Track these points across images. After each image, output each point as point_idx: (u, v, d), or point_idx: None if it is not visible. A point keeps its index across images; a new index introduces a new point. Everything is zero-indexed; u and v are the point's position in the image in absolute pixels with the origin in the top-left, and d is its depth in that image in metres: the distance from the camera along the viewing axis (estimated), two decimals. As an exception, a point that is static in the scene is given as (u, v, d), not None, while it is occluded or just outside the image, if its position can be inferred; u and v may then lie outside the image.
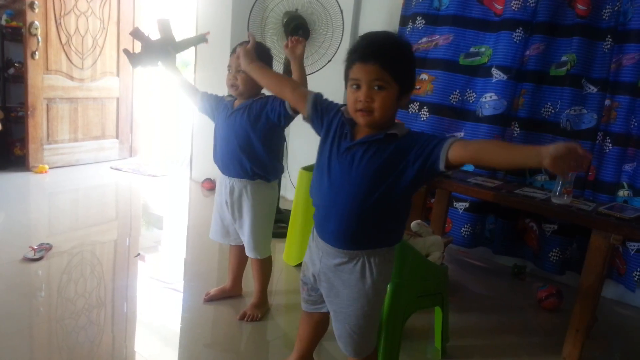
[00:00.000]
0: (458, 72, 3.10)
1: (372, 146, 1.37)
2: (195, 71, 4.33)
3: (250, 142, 2.06)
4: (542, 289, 2.71)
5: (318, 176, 1.48)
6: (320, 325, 1.76)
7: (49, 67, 4.41)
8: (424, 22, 3.20)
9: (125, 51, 2.21)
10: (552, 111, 2.88)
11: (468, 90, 3.10)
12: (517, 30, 2.88)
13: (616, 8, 2.68)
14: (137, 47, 2.25)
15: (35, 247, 2.69)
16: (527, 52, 2.91)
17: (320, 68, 3.13)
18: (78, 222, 3.43)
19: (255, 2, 3.05)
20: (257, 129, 2.05)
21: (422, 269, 2.01)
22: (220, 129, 2.16)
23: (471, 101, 3.10)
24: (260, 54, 1.90)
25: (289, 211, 2.99)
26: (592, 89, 2.77)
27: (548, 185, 2.78)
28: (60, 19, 4.41)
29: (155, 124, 5.67)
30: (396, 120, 1.42)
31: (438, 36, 3.14)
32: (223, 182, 2.19)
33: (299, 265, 2.85)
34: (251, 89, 2.07)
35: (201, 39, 2.34)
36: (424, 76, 3.18)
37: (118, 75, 5.01)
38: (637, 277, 2.63)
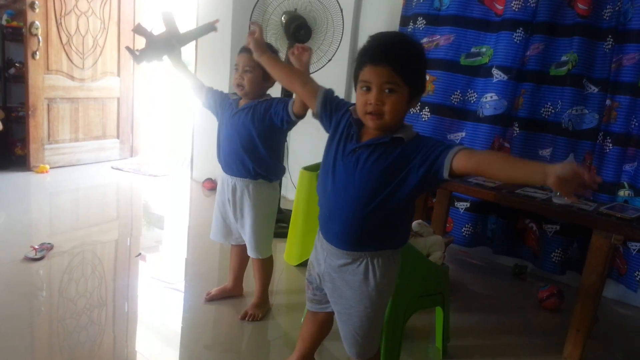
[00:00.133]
0: (459, 72, 3.10)
1: (377, 149, 1.35)
2: (195, 70, 4.34)
3: (253, 142, 2.06)
4: (543, 289, 2.71)
5: (323, 176, 1.46)
6: (324, 325, 1.75)
7: (49, 67, 4.41)
8: (424, 22, 3.20)
9: (127, 48, 2.20)
10: (552, 111, 2.88)
11: (469, 90, 3.11)
12: (518, 31, 2.88)
13: (617, 8, 2.68)
14: (139, 44, 2.24)
15: (37, 247, 2.69)
16: (527, 52, 2.91)
17: (320, 68, 3.13)
18: (79, 222, 3.43)
19: (256, 2, 3.05)
20: (260, 130, 2.04)
21: (423, 269, 2.01)
22: (224, 128, 2.16)
23: (472, 101, 3.10)
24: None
25: (290, 211, 2.99)
26: (593, 89, 2.77)
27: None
28: (60, 18, 4.41)
29: (156, 124, 5.67)
30: (404, 123, 1.39)
31: (439, 36, 3.14)
32: (225, 181, 2.19)
33: (300, 265, 2.86)
34: (257, 89, 2.07)
35: (209, 28, 2.27)
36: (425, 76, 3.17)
37: (119, 75, 5.01)
38: (639, 277, 2.63)
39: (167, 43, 2.17)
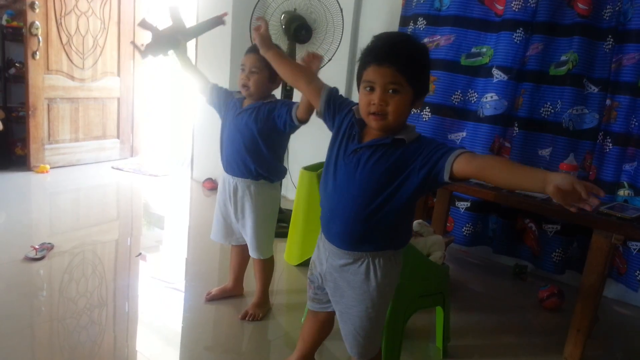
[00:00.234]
0: (459, 72, 3.11)
1: (378, 150, 1.34)
2: (188, 74, 4.33)
3: (255, 143, 2.05)
4: (544, 289, 2.71)
5: (325, 176, 1.46)
6: (324, 325, 1.74)
7: (49, 67, 4.41)
8: (425, 22, 3.20)
9: (132, 43, 2.19)
10: (552, 111, 2.88)
11: (469, 90, 3.11)
12: (518, 31, 2.88)
13: (617, 8, 2.68)
14: (139, 43, 2.23)
15: (37, 247, 2.70)
16: (527, 52, 2.91)
17: (320, 68, 3.13)
18: (79, 222, 3.43)
19: (257, 3, 3.04)
20: (263, 131, 2.03)
21: (423, 269, 2.01)
22: (227, 127, 2.15)
23: (473, 101, 3.10)
24: None
25: (290, 211, 2.99)
26: (593, 88, 2.77)
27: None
28: (60, 19, 4.41)
29: (157, 124, 5.67)
30: (407, 124, 1.38)
31: (439, 37, 3.15)
32: (226, 180, 2.19)
33: (300, 264, 2.86)
34: (262, 91, 2.05)
35: (217, 22, 2.25)
36: (426, 77, 3.18)
37: (119, 75, 5.02)
38: (639, 276, 2.64)
39: (173, 37, 2.15)
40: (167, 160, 5.23)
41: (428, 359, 2.17)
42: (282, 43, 3.09)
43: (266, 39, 1.68)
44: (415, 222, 2.28)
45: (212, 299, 2.41)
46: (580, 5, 2.73)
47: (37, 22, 4.20)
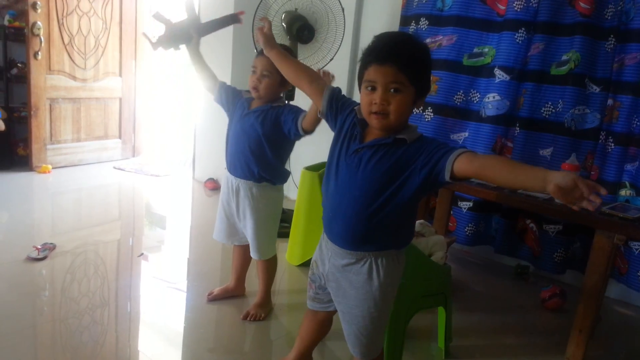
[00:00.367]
0: (462, 72, 3.10)
1: (379, 150, 1.34)
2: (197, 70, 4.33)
3: (261, 146, 2.04)
4: (546, 289, 2.70)
5: (327, 176, 1.47)
6: (323, 324, 1.75)
7: (51, 68, 4.42)
8: (427, 22, 3.20)
9: (144, 34, 2.17)
10: (553, 110, 2.88)
11: (472, 90, 3.10)
12: (520, 31, 2.88)
13: (619, 7, 2.67)
14: (140, 44, 2.22)
15: (39, 247, 2.70)
16: (529, 52, 2.91)
17: (322, 67, 3.13)
18: (81, 222, 3.43)
19: (260, 3, 3.04)
20: (269, 135, 2.03)
21: (425, 269, 2.01)
22: (233, 127, 2.14)
23: (475, 101, 3.10)
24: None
25: (292, 211, 2.99)
26: (595, 88, 2.77)
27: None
28: (62, 19, 4.42)
29: (158, 124, 5.68)
30: (409, 124, 1.38)
31: (442, 37, 3.15)
32: (229, 181, 2.19)
33: (302, 264, 2.86)
34: (273, 94, 2.04)
35: (232, 19, 2.21)
36: (429, 77, 3.18)
37: (120, 75, 5.02)
38: (642, 276, 2.64)
39: (186, 32, 2.13)
40: (168, 161, 5.24)
41: (430, 359, 2.17)
42: (284, 43, 3.08)
43: (270, 39, 1.68)
44: (417, 223, 2.27)
45: (213, 299, 2.41)
46: (582, 5, 2.73)
47: (39, 23, 4.20)
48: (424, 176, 1.28)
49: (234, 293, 2.46)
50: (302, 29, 3.03)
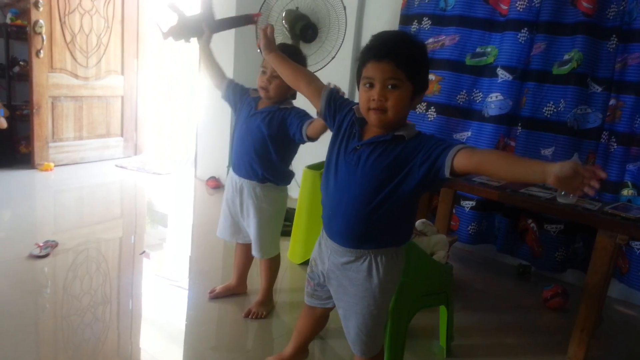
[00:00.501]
0: (464, 72, 3.10)
1: (378, 147, 1.35)
2: (199, 70, 4.34)
3: (265, 147, 2.04)
4: (548, 289, 2.70)
5: (326, 175, 1.47)
6: (320, 320, 1.78)
7: (53, 66, 4.43)
8: (430, 22, 3.21)
9: (157, 23, 2.16)
10: (555, 110, 2.87)
11: (474, 90, 3.11)
12: (522, 31, 2.88)
13: (621, 7, 2.67)
14: (142, 45, 2.21)
15: (41, 244, 2.70)
16: (531, 52, 2.90)
17: (324, 66, 3.13)
18: (83, 220, 3.43)
19: (263, 3, 3.03)
20: (274, 137, 2.02)
21: (427, 268, 2.01)
22: (239, 127, 2.13)
23: (477, 101, 3.10)
24: (295, 60, 1.90)
25: (294, 209, 2.99)
26: (597, 88, 2.77)
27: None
28: (64, 17, 4.42)
29: (160, 122, 5.68)
30: (407, 121, 1.40)
31: (444, 36, 3.15)
32: (233, 179, 2.18)
33: (304, 263, 2.86)
34: (281, 95, 2.02)
35: (246, 20, 2.19)
36: (431, 76, 3.18)
37: (122, 73, 5.02)
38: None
39: (198, 26, 2.11)
40: (170, 159, 5.24)
41: (432, 358, 2.17)
42: (286, 42, 3.08)
43: (271, 42, 1.71)
44: (418, 222, 2.28)
45: (215, 296, 2.41)
46: (584, 4, 2.73)
47: (41, 21, 4.21)
48: (423, 173, 1.29)
49: (235, 291, 2.46)
50: (306, 28, 3.02)
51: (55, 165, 4.47)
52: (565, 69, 2.81)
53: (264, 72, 2.00)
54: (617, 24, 2.69)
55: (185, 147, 5.22)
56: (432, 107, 3.18)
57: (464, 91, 3.12)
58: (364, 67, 1.34)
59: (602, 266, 2.06)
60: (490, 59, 3.04)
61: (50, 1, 4.28)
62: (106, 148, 5.01)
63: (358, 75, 1.38)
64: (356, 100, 1.45)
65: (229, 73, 3.74)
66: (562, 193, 2.27)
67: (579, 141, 2.82)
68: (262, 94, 2.04)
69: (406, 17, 3.35)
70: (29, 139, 4.44)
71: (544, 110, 2.90)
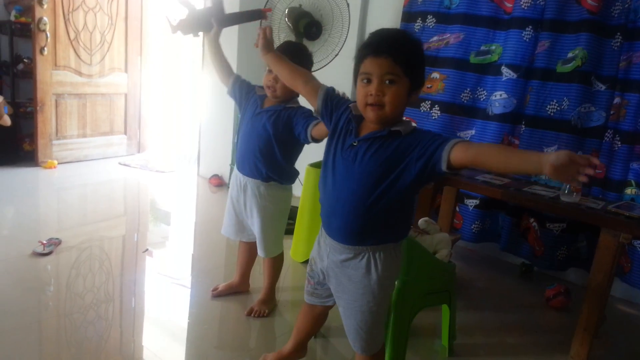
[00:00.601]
0: (469, 70, 3.10)
1: (375, 143, 1.37)
2: (202, 68, 4.34)
3: (270, 146, 2.03)
4: (550, 288, 2.70)
5: (324, 173, 1.49)
6: (320, 317, 1.80)
7: (57, 63, 4.43)
8: (434, 20, 3.20)
9: (166, 16, 2.15)
10: (558, 108, 2.86)
11: (479, 88, 3.10)
12: (527, 29, 2.87)
13: (626, 5, 2.65)
14: (144, 45, 2.20)
15: (45, 242, 2.71)
16: (536, 50, 2.89)
17: (327, 64, 3.12)
18: (87, 218, 3.44)
19: (267, 2, 3.03)
20: (279, 137, 2.01)
21: (429, 267, 2.00)
22: (244, 125, 2.12)
23: (482, 99, 3.09)
24: (301, 58, 1.87)
25: (296, 208, 2.99)
26: (601, 86, 2.75)
27: (557, 183, 2.77)
28: (68, 14, 4.43)
29: (163, 120, 5.69)
30: (404, 118, 1.41)
31: (449, 35, 3.14)
32: (238, 177, 2.18)
33: (306, 261, 2.86)
34: (288, 93, 2.00)
35: (256, 15, 2.17)
36: (436, 75, 3.17)
37: (126, 71, 5.03)
38: (647, 275, 2.63)
39: (207, 20, 2.09)
40: (173, 157, 5.25)
41: (434, 356, 2.17)
42: (290, 39, 3.07)
43: (269, 43, 1.72)
44: (421, 220, 2.27)
45: (218, 295, 2.42)
46: (589, 2, 2.71)
47: (45, 18, 4.21)
48: (420, 167, 1.30)
49: (238, 289, 2.46)
50: (310, 26, 3.02)
51: (58, 163, 4.48)
52: (569, 67, 2.80)
53: (270, 71, 1.97)
54: (621, 21, 2.67)
55: (189, 145, 5.22)
56: (437, 106, 3.17)
57: (468, 89, 3.11)
58: (362, 63, 1.35)
59: (606, 265, 2.06)
60: (495, 57, 3.03)
61: (54, -1, 4.29)
62: (109, 146, 5.02)
63: (355, 72, 1.39)
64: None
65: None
66: (566, 192, 2.27)
67: (583, 139, 2.80)
68: (268, 92, 2.03)
69: (409, 15, 3.34)
70: (32, 136, 4.45)
71: (547, 109, 2.89)
